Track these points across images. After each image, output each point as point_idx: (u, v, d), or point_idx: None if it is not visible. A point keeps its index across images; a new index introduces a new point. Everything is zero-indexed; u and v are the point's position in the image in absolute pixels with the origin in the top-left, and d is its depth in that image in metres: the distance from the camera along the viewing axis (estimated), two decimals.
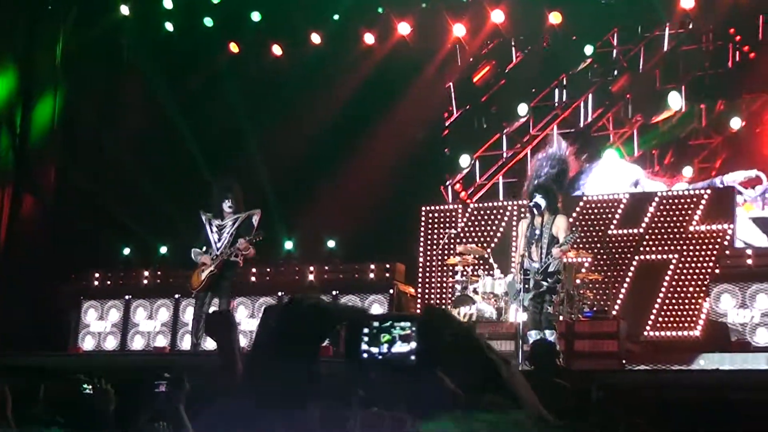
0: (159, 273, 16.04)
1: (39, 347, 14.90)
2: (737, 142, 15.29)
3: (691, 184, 15.12)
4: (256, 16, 17.14)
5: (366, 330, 2.25)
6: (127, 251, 16.70)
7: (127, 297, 15.82)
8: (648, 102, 15.86)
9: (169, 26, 17.44)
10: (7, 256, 17.09)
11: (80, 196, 17.06)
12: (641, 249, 13.90)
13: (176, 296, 15.50)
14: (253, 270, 15.45)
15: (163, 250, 16.57)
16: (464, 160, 16.98)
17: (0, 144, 17.74)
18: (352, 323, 2.28)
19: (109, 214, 16.76)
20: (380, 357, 2.19)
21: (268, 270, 15.45)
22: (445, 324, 1.85)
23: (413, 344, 2.20)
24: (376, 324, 2.25)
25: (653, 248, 13.85)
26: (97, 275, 16.23)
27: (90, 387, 5.18)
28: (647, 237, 13.94)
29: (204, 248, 12.23)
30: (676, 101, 15.66)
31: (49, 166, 18.14)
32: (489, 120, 17.00)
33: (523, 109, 16.70)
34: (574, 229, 11.76)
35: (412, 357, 2.12)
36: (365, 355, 2.23)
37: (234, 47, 17.55)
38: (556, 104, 16.75)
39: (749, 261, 13.10)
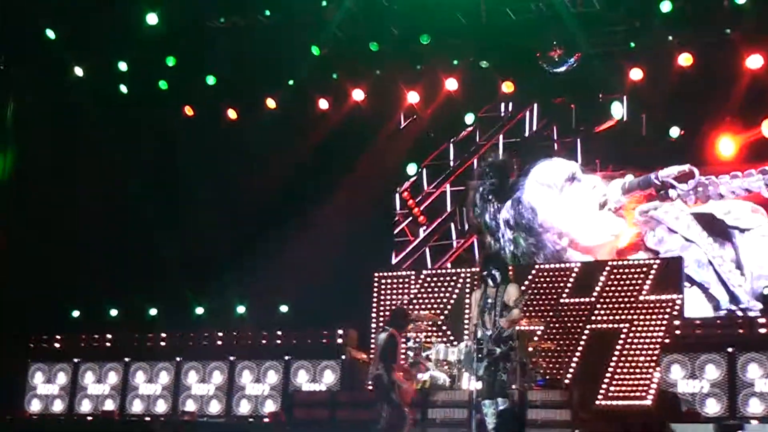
0: (109, 336, 15.86)
1: None
2: (676, 149, 15.68)
3: (626, 180, 15.73)
4: (210, 80, 17.18)
5: None
6: (76, 314, 16.52)
7: (75, 360, 15.63)
8: (591, 111, 16.26)
9: (123, 88, 17.42)
10: None
11: (29, 257, 16.86)
12: (593, 318, 14.05)
13: (126, 360, 15.35)
14: (205, 335, 15.36)
15: (114, 313, 16.42)
16: (411, 169, 17.15)
17: None
18: None
19: (58, 277, 16.57)
20: None
21: (220, 335, 15.36)
22: None
23: None
24: None
25: (604, 317, 14.00)
26: (45, 337, 16.02)
27: None
28: (598, 306, 14.10)
29: None
30: (618, 110, 16.01)
31: None
32: (437, 129, 17.16)
33: (469, 118, 16.93)
34: (522, 293, 11.87)
35: None
36: None
37: (189, 110, 17.57)
38: (502, 114, 16.96)
39: (698, 331, 13.27)
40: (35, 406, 15.63)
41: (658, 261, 14.46)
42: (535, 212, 16.15)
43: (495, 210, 16.41)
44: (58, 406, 15.57)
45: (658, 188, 15.67)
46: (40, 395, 15.70)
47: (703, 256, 15.18)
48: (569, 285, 14.37)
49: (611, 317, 13.96)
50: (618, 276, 14.20)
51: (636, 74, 15.70)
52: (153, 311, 16.28)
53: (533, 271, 14.68)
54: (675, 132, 15.66)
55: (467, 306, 14.01)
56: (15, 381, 15.77)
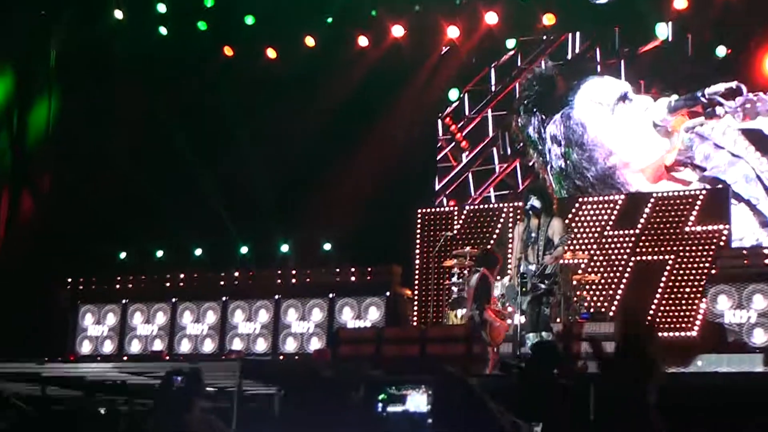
0: (155, 277, 16.02)
1: (37, 352, 14.90)
2: (723, 69, 15.38)
3: (672, 99, 15.42)
4: (249, 20, 17.10)
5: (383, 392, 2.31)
6: (123, 255, 16.69)
7: (123, 301, 15.80)
8: (635, 33, 15.97)
9: (163, 30, 17.42)
10: (4, 259, 17.09)
11: (76, 199, 17.04)
12: (637, 250, 13.94)
13: (173, 300, 15.50)
14: (250, 273, 15.48)
15: (159, 254, 16.56)
16: (453, 94, 17.02)
17: None
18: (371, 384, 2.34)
19: (105, 218, 16.73)
20: (397, 414, 2.26)
21: (265, 274, 15.46)
22: (459, 387, 1.89)
23: (428, 405, 2.27)
24: (392, 386, 2.31)
25: (649, 249, 13.89)
26: (93, 279, 16.21)
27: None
28: (643, 238, 13.98)
29: None
30: (663, 31, 15.73)
31: (44, 169, 18.16)
32: (478, 55, 16.96)
33: (511, 42, 16.74)
34: (568, 230, 11.81)
35: (429, 420, 2.19)
36: (385, 413, 2.30)
37: (228, 51, 17.54)
38: (544, 37, 16.74)
39: (745, 261, 13.13)
40: (86, 348, 15.86)
41: (704, 192, 14.27)
42: (585, 128, 15.95)
43: (540, 122, 16.21)
44: (108, 347, 15.78)
45: (704, 106, 15.35)
46: (90, 336, 15.92)
47: (750, 171, 14.88)
48: (613, 217, 14.25)
49: (656, 249, 13.83)
50: (663, 207, 14.04)
51: (680, 3, 15.41)
52: (198, 251, 16.38)
53: (576, 204, 14.57)
54: (722, 51, 15.32)
55: (510, 240, 13.93)
56: (66, 323, 16.01)
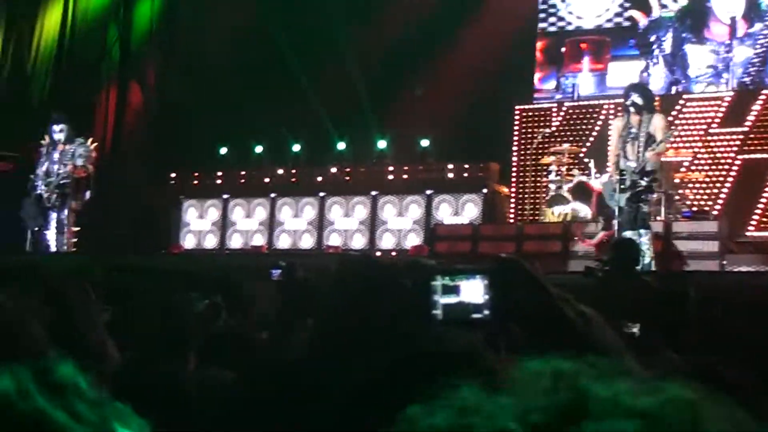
0: (254, 173, 16.16)
1: (142, 246, 15.27)
2: None
3: None
4: None
5: (435, 281, 2.17)
6: (224, 151, 16.83)
7: (225, 196, 16.01)
8: None
9: None
10: (114, 155, 17.46)
11: (179, 96, 17.19)
12: (745, 148, 13.43)
13: (272, 195, 15.62)
14: (348, 170, 15.47)
15: (259, 149, 16.62)
16: None
17: (108, 36, 18.08)
18: (421, 275, 2.21)
19: (206, 114, 16.86)
20: (449, 308, 2.12)
21: (362, 170, 15.44)
22: (519, 276, 1.77)
23: (485, 296, 2.13)
24: (445, 274, 2.18)
25: (758, 147, 13.36)
26: (196, 174, 16.45)
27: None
28: (752, 136, 13.44)
29: None
30: None
31: (148, 65, 18.36)
32: None
33: None
34: (672, 128, 11.43)
35: (486, 311, 2.06)
36: (436, 309, 2.16)
37: None
38: None
39: None
40: (189, 242, 16.15)
41: None
42: None
43: None
44: (210, 242, 16.04)
45: None
46: (193, 231, 16.21)
47: None
48: (720, 114, 13.72)
49: (765, 147, 13.30)
50: None
51: None
52: (296, 147, 16.39)
53: (681, 101, 14.07)
54: None
55: (610, 137, 13.58)
56: (171, 217, 16.32)
